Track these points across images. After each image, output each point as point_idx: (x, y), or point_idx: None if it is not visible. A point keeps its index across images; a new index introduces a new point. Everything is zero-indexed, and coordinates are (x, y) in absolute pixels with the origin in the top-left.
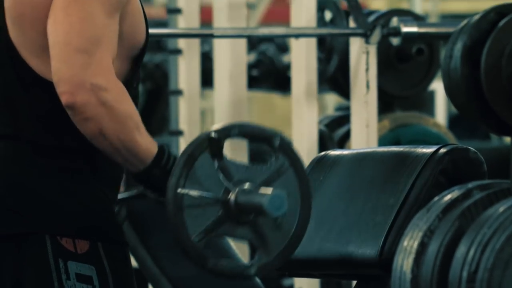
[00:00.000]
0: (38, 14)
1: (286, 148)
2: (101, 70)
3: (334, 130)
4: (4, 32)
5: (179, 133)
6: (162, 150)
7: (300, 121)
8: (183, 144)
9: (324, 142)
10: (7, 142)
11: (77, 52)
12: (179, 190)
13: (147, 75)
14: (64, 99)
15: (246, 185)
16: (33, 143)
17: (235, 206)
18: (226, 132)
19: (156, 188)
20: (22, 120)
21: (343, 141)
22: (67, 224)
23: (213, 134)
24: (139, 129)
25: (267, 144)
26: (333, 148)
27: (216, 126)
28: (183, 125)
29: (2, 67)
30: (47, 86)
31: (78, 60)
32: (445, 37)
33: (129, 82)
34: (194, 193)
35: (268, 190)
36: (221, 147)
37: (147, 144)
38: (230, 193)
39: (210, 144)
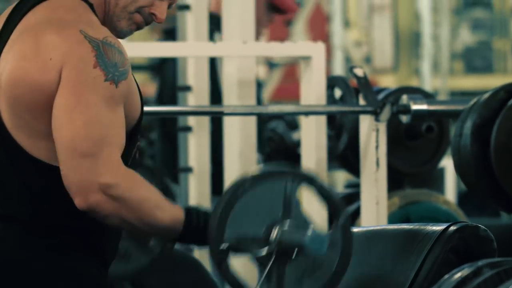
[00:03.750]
0: (34, 99)
1: (345, 230)
2: (107, 168)
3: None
4: None
5: None
6: (189, 213)
7: (310, 198)
8: None
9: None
10: None
11: (82, 157)
12: (221, 246)
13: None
14: (77, 203)
15: (288, 224)
16: (25, 222)
17: (277, 245)
18: (299, 180)
19: (197, 243)
20: (14, 200)
21: (353, 218)
22: None
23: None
24: (159, 206)
25: (332, 213)
26: None
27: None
28: (193, 202)
29: None
30: (40, 166)
31: (84, 165)
32: (455, 114)
33: (126, 154)
34: (235, 241)
35: (309, 230)
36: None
37: (172, 215)
38: (273, 232)
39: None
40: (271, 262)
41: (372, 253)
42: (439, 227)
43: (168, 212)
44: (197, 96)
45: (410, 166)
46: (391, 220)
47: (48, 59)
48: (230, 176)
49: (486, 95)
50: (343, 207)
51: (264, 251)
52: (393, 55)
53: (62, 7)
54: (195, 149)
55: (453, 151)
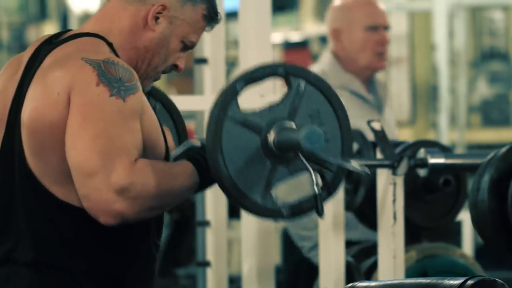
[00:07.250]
0: (57, 140)
1: (293, 70)
2: (119, 175)
3: (361, 261)
4: (23, 163)
5: (207, 264)
6: (195, 161)
7: (327, 252)
8: (210, 275)
9: (351, 273)
10: (30, 270)
11: (93, 174)
12: (221, 163)
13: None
14: (102, 221)
15: (278, 126)
16: (58, 269)
17: (277, 149)
18: (233, 89)
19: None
20: (47, 246)
21: (370, 272)
22: None
23: (223, 98)
24: (172, 176)
25: (274, 76)
26: (360, 279)
27: (220, 90)
28: (210, 256)
29: (24, 196)
30: (71, 211)
31: (96, 181)
32: (472, 168)
33: None
34: (236, 159)
35: (301, 129)
36: (237, 106)
37: (185, 176)
38: (268, 140)
39: (226, 110)
40: (275, 169)
41: None
42: (456, 281)
43: (181, 175)
44: None
45: (427, 220)
46: (409, 274)
47: (55, 94)
48: (247, 229)
49: (503, 149)
50: (271, 64)
51: (267, 163)
52: (410, 108)
53: (74, 44)
54: (212, 202)
55: (470, 205)
